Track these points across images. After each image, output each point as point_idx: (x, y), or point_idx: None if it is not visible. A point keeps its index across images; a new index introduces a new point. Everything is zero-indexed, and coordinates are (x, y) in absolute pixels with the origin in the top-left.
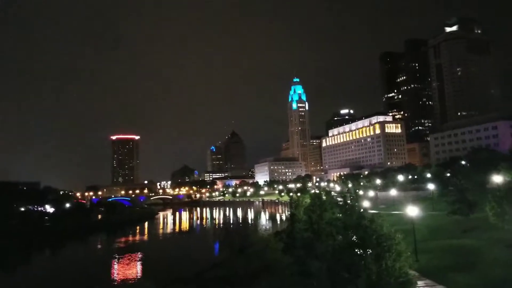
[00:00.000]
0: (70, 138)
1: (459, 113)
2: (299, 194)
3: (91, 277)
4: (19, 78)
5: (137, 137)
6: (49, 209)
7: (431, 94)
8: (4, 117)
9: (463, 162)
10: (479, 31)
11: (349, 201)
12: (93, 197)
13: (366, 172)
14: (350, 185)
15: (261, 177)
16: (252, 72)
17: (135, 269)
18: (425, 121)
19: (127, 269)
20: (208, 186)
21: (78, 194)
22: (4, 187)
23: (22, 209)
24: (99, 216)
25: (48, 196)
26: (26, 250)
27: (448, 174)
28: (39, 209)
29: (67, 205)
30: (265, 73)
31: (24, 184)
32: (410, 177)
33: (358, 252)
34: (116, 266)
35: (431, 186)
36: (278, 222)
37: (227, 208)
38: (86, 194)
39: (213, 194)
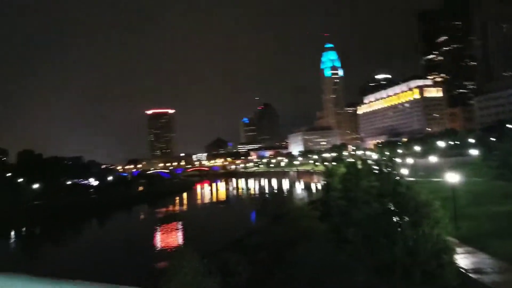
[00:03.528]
0: (107, 115)
1: (504, 73)
2: (334, 163)
3: (136, 245)
4: (53, 55)
5: (171, 111)
6: (93, 182)
7: (473, 53)
8: (42, 98)
9: (510, 126)
10: None
11: (384, 169)
12: (134, 170)
13: (405, 139)
14: (386, 153)
15: (295, 147)
16: (283, 40)
17: (177, 237)
18: (467, 84)
19: (170, 237)
20: (242, 157)
21: (119, 168)
22: (51, 162)
23: (69, 182)
24: (140, 188)
25: (91, 170)
26: (76, 221)
27: (493, 139)
28: (84, 182)
29: (110, 177)
30: (296, 40)
31: (68, 159)
32: (451, 142)
33: (395, 219)
34: (159, 235)
35: (473, 152)
36: (313, 191)
37: (262, 179)
38: (127, 167)
39: (248, 165)
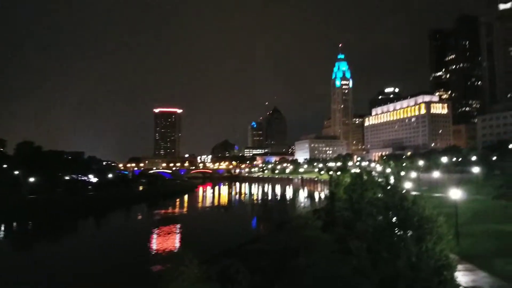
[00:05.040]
0: (113, 110)
1: (509, 95)
2: (339, 173)
3: (132, 246)
4: (67, 52)
5: (179, 111)
6: (93, 178)
7: (480, 74)
8: (50, 90)
9: (511, 146)
10: None
11: (391, 182)
12: (135, 169)
13: (409, 153)
14: (392, 166)
15: (301, 155)
16: (295, 48)
17: (175, 241)
18: (473, 102)
19: (167, 240)
20: (248, 162)
21: (120, 165)
22: (50, 156)
23: (67, 177)
24: (141, 187)
25: (92, 166)
26: (72, 218)
27: (495, 158)
28: (83, 178)
29: (110, 175)
30: (309, 50)
31: (69, 153)
32: (454, 159)
33: (398, 233)
34: (156, 237)
35: (476, 169)
36: (317, 200)
37: (266, 184)
38: (129, 165)
39: (253, 169)
